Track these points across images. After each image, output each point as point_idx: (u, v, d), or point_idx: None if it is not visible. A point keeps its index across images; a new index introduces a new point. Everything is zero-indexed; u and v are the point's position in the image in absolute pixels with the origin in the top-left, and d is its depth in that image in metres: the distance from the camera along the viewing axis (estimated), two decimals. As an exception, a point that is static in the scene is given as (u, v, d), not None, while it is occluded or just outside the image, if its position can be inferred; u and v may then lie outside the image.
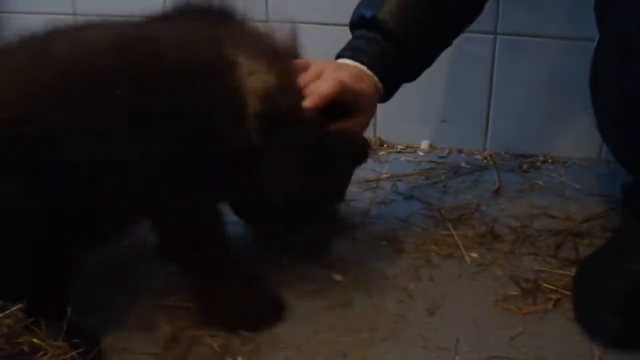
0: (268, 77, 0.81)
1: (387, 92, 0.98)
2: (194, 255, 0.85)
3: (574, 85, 1.26)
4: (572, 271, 0.95)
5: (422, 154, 1.40)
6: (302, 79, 0.87)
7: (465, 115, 1.39)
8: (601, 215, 1.12)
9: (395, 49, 0.96)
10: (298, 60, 0.89)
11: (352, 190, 1.22)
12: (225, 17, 0.88)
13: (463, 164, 1.34)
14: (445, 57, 1.05)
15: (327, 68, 0.89)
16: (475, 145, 1.41)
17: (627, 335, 0.82)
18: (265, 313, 0.87)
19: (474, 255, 1.02)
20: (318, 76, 0.87)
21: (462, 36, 1.07)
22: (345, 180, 0.97)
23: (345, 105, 0.89)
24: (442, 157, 1.38)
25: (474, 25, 1.08)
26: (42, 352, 0.76)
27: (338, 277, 0.96)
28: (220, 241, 0.87)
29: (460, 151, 1.41)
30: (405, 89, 1.01)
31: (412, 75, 1.03)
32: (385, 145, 1.43)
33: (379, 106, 0.96)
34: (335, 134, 0.87)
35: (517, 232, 1.08)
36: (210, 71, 0.79)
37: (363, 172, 1.30)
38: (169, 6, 0.90)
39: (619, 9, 0.90)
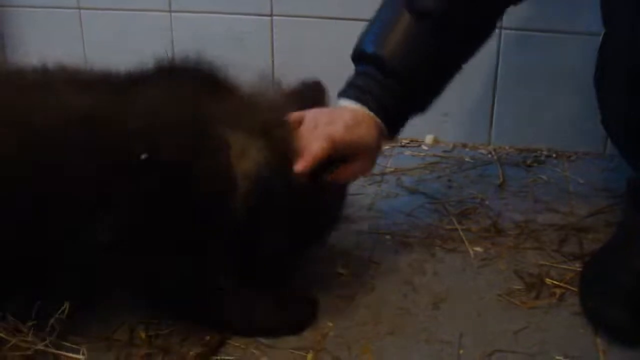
0: (260, 154, 0.79)
1: (393, 129, 0.94)
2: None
3: (579, 80, 1.26)
4: (576, 266, 0.95)
5: (426, 148, 1.40)
6: (297, 139, 0.83)
7: (469, 109, 1.39)
8: (605, 210, 1.13)
9: (398, 86, 0.91)
10: (292, 115, 0.86)
11: (357, 184, 1.23)
12: (208, 81, 0.84)
13: (467, 159, 1.34)
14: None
15: (321, 121, 0.86)
16: (479, 139, 1.41)
17: (632, 330, 0.82)
18: (302, 312, 0.87)
19: (478, 249, 1.02)
20: (312, 131, 0.84)
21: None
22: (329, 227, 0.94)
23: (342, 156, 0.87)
24: (446, 151, 1.38)
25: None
26: (8, 345, 0.77)
27: (342, 271, 0.96)
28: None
29: (464, 146, 1.41)
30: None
31: (422, 107, 0.99)
32: (389, 140, 1.44)
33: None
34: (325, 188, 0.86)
35: (521, 226, 1.08)
36: (199, 156, 0.77)
37: (367, 166, 1.30)
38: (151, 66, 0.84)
39: (624, 8, 0.90)
